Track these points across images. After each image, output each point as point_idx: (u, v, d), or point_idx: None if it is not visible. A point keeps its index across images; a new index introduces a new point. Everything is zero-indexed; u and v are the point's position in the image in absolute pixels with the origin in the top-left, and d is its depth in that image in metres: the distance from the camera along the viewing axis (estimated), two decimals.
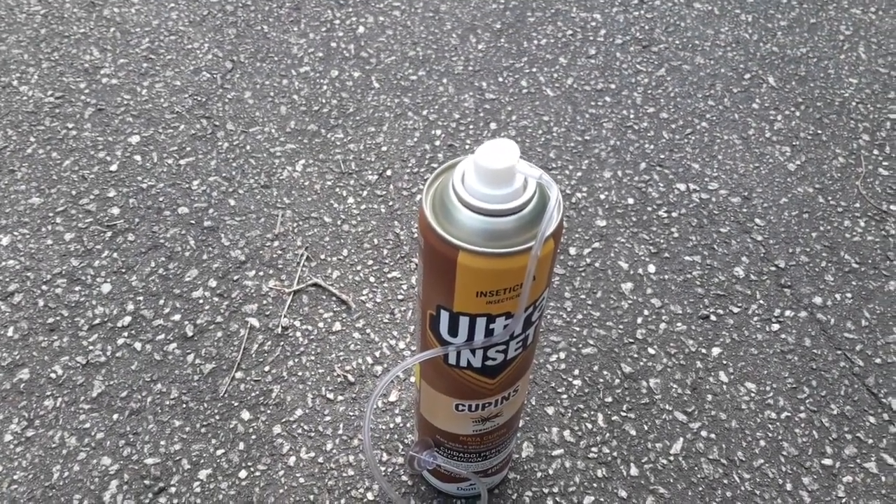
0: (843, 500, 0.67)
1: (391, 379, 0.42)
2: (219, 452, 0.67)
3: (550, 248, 0.38)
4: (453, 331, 0.41)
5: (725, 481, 0.67)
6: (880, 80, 1.10)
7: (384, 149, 0.95)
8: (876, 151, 0.99)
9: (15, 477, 0.65)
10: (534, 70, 1.07)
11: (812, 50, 1.14)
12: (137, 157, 0.92)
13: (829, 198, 0.93)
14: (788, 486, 0.67)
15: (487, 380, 0.45)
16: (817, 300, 0.82)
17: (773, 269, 0.84)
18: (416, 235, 0.85)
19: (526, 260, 0.36)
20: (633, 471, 0.67)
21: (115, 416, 0.69)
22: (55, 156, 0.92)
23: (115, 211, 0.86)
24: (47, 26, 1.09)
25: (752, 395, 0.73)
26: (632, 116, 1.01)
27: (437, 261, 0.38)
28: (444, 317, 0.41)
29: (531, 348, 0.47)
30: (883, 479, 0.68)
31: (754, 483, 0.67)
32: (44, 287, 0.79)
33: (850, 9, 1.21)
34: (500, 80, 1.05)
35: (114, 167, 0.91)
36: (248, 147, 0.94)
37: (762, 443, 0.70)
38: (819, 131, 1.01)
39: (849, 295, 0.83)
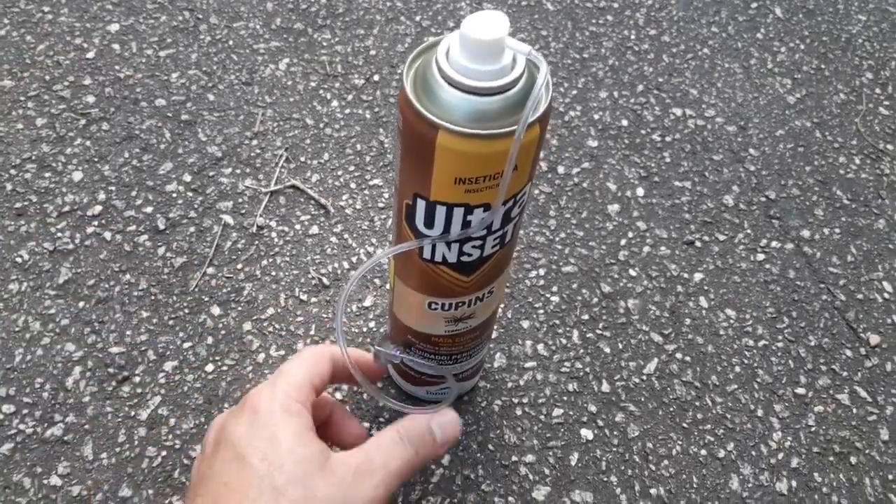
0: (813, 429, 0.66)
1: (365, 271, 0.40)
2: (186, 345, 0.65)
3: (535, 135, 0.36)
4: (429, 221, 0.39)
5: (697, 403, 0.67)
6: (889, 18, 1.06)
7: (373, 53, 0.91)
8: (878, 90, 0.96)
9: None
10: None
11: None
12: (116, 46, 0.88)
13: (827, 133, 0.90)
14: (759, 412, 0.67)
15: (462, 277, 0.44)
16: (805, 233, 0.80)
17: (763, 199, 0.83)
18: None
19: (509, 144, 0.34)
20: (605, 387, 0.67)
21: (81, 304, 0.67)
22: (29, 39, 0.88)
23: (90, 99, 0.83)
24: None
25: (731, 321, 0.73)
26: (633, 37, 0.97)
27: (416, 142, 0.36)
28: (421, 206, 0.38)
29: (509, 247, 0.45)
30: (854, 410, 0.68)
31: (726, 407, 0.67)
32: (12, 171, 0.76)
33: None
34: None
35: (90, 55, 0.87)
36: (230, 42, 0.90)
37: (737, 369, 0.69)
38: (822, 66, 0.98)
39: (837, 230, 0.81)
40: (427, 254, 0.42)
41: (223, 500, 0.34)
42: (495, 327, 0.68)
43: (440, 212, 0.38)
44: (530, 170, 0.39)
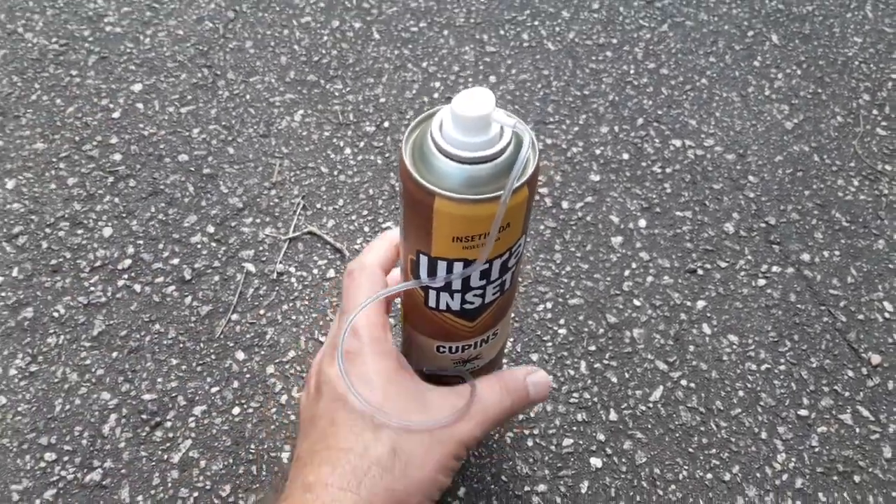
0: (816, 449, 0.69)
1: (367, 304, 0.44)
2: (213, 390, 0.69)
3: (524, 196, 0.39)
4: (432, 274, 0.43)
5: (702, 428, 0.69)
6: (885, 39, 1.09)
7: (382, 100, 0.96)
8: (875, 111, 0.99)
9: (19, 409, 0.68)
10: (535, 23, 1.07)
11: (818, 8, 1.13)
12: (140, 105, 0.93)
13: (825, 156, 0.93)
14: (763, 435, 0.69)
15: (466, 322, 0.47)
16: (805, 257, 0.83)
17: (763, 225, 0.85)
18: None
19: (512, 205, 0.38)
20: (613, 416, 0.69)
21: (115, 354, 0.72)
22: (59, 102, 0.93)
23: (117, 157, 0.88)
24: None
25: (734, 346, 0.75)
26: (632, 72, 1.01)
27: (416, 206, 0.39)
28: (424, 261, 0.42)
29: (510, 293, 0.48)
30: (857, 430, 0.70)
31: (730, 431, 0.69)
32: (47, 230, 0.81)
33: None
34: (502, 32, 1.05)
35: (116, 114, 0.92)
36: (247, 96, 0.95)
37: (741, 393, 0.72)
38: (819, 90, 1.01)
39: (837, 252, 0.84)
40: (433, 303, 0.45)
41: (331, 436, 0.39)
42: (504, 361, 0.72)
43: (441, 266, 0.42)
44: (523, 225, 0.42)
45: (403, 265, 0.46)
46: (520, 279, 0.50)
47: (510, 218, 0.39)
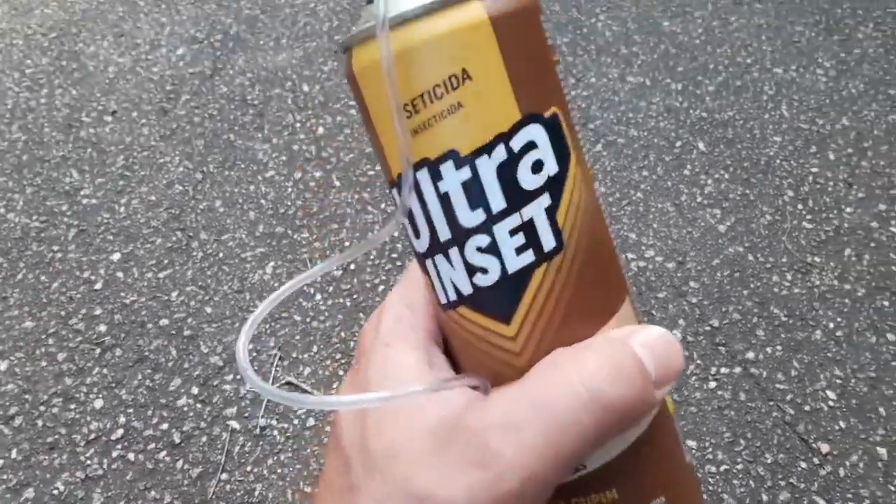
0: None
1: (284, 293, 0.24)
2: None
3: (476, 17, 0.21)
4: (413, 224, 0.23)
5: None
6: (802, 135, 1.19)
7: (347, 244, 1.03)
8: (800, 206, 1.08)
9: None
10: None
11: (738, 112, 1.23)
12: (120, 274, 1.00)
13: (759, 255, 1.01)
14: None
15: (500, 326, 0.23)
16: (750, 355, 0.90)
17: (708, 328, 0.92)
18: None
19: (438, 29, 0.21)
20: None
21: None
22: (43, 279, 0.99)
23: (102, 328, 0.93)
24: (28, 152, 1.17)
25: (693, 451, 0.81)
26: None
27: (354, 98, 0.23)
28: (399, 201, 0.22)
29: (572, 255, 0.23)
30: None
31: None
32: (41, 408, 0.86)
33: (772, 69, 1.31)
34: None
35: (98, 285, 0.98)
36: (220, 254, 1.02)
37: (704, 496, 0.77)
38: (747, 191, 1.10)
39: (779, 347, 0.90)
40: (441, 295, 0.24)
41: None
42: None
43: (411, 197, 0.23)
44: (507, 84, 0.21)
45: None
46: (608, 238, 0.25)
47: (451, 56, 0.21)
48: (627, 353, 0.21)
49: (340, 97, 1.25)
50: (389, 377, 0.22)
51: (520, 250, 0.22)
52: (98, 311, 0.95)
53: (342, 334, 0.92)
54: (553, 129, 0.22)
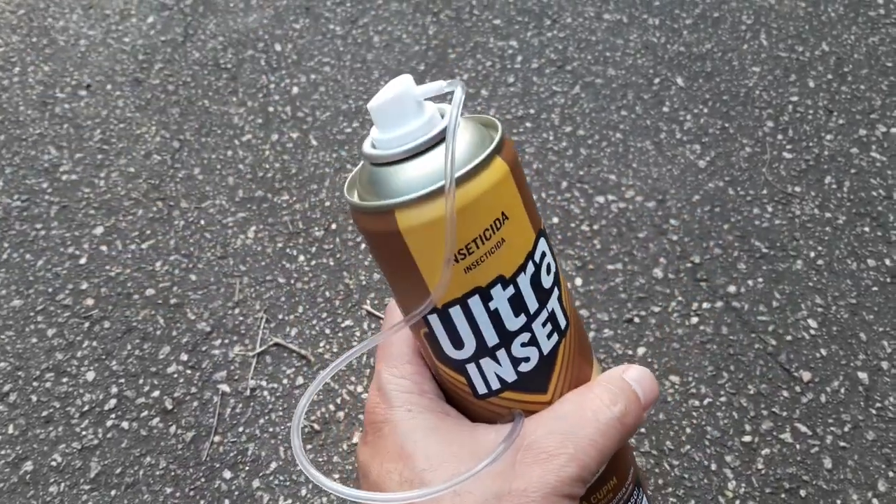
0: (763, 472, 0.75)
1: (314, 392, 0.30)
2: None
3: (501, 173, 0.27)
4: (455, 338, 0.29)
5: (657, 470, 0.75)
6: (781, 64, 1.18)
7: (327, 204, 1.03)
8: (780, 136, 1.07)
9: None
10: None
11: (717, 44, 1.22)
12: (103, 248, 1.00)
13: (739, 188, 1.01)
14: (713, 467, 0.76)
15: (538, 398, 0.31)
16: (731, 289, 0.90)
17: (689, 265, 0.93)
18: (364, 276, 0.93)
19: (477, 187, 0.26)
20: None
21: (113, 493, 0.78)
22: (28, 257, 1.00)
23: (90, 302, 0.94)
24: (5, 132, 1.17)
25: (677, 387, 0.82)
26: (551, 138, 1.09)
27: (386, 248, 0.28)
28: (437, 324, 0.29)
29: (573, 335, 0.31)
30: (797, 447, 0.77)
31: (682, 468, 0.76)
32: (35, 383, 0.87)
33: None
34: None
35: (83, 260, 0.99)
36: (202, 222, 1.02)
37: (688, 430, 0.78)
38: (726, 124, 1.09)
39: (760, 279, 0.91)
40: (482, 386, 0.30)
41: None
42: None
43: (458, 316, 0.28)
44: (527, 216, 0.28)
45: (426, 356, 0.32)
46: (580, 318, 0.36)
47: (493, 205, 0.27)
48: (626, 387, 0.29)
49: (314, 54, 1.24)
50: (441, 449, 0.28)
51: (549, 336, 0.30)
52: (84, 286, 0.96)
53: (327, 293, 0.93)
54: (547, 236, 0.29)
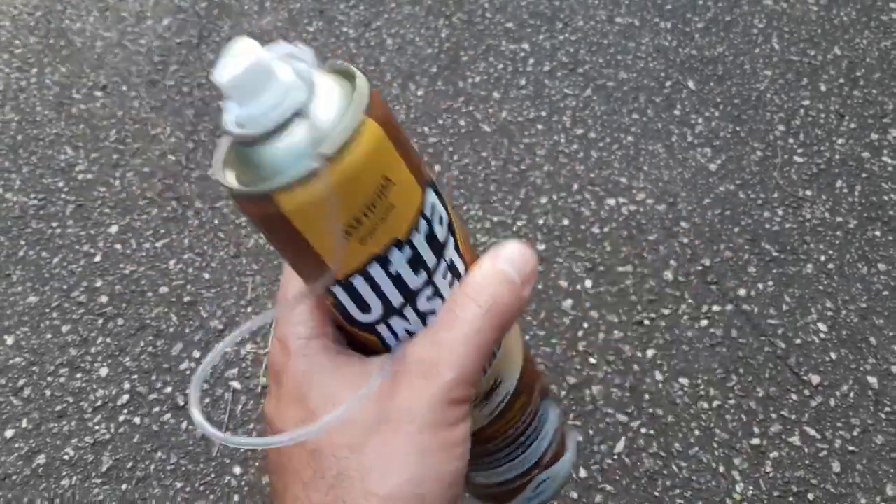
0: (771, 475, 0.75)
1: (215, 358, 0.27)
2: None
3: (376, 134, 0.25)
4: (362, 304, 0.28)
5: (665, 472, 0.76)
6: (793, 68, 1.17)
7: None
8: (791, 140, 1.07)
9: None
10: (470, 108, 1.15)
11: (728, 48, 1.22)
12: (118, 246, 1.01)
13: (749, 192, 1.01)
14: (721, 469, 0.76)
15: None
16: (741, 292, 0.90)
17: (700, 268, 0.93)
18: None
19: (364, 153, 0.25)
20: (583, 473, 0.76)
21: (125, 486, 0.78)
22: (45, 255, 1.01)
23: (104, 299, 0.95)
24: (22, 132, 1.18)
25: (686, 389, 0.82)
26: (563, 140, 1.09)
27: (273, 230, 0.26)
28: (342, 294, 0.28)
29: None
30: (806, 450, 0.77)
31: (691, 470, 0.76)
32: (49, 378, 0.88)
33: (762, 1, 1.29)
34: (440, 122, 1.14)
35: (98, 258, 1.00)
36: (216, 221, 1.03)
37: (696, 432, 0.78)
38: (738, 128, 1.09)
39: (770, 283, 0.91)
40: (393, 344, 0.29)
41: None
42: None
43: (361, 285, 0.28)
44: (409, 172, 0.27)
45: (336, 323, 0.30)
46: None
47: (373, 172, 0.25)
48: (492, 272, 0.28)
49: (327, 57, 1.25)
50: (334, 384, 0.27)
51: (451, 284, 0.29)
52: (99, 283, 0.97)
53: None
54: (435, 186, 0.28)
